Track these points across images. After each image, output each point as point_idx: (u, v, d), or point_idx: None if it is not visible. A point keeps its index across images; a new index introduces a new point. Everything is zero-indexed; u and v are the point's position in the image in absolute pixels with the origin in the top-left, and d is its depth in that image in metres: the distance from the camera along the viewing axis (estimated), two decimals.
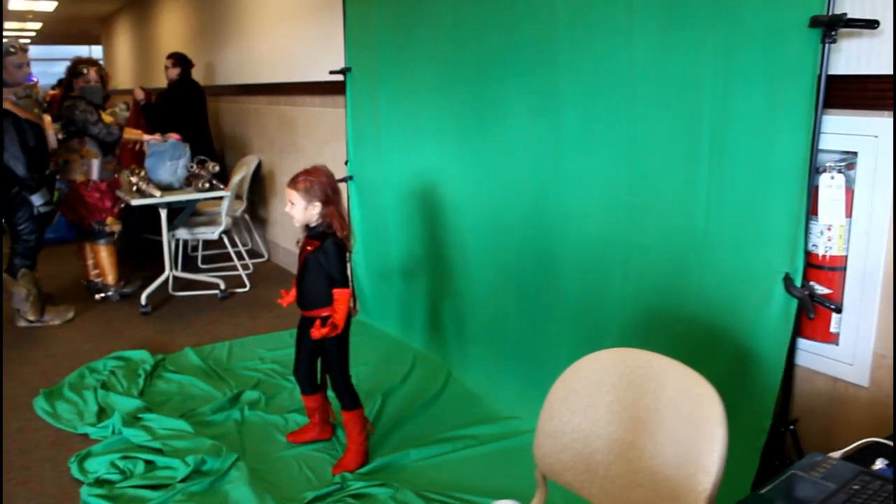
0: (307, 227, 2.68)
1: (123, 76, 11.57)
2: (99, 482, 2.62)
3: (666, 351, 2.43)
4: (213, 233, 4.71)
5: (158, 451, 2.78)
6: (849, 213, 2.01)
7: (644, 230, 2.51)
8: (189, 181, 4.52)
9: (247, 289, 4.88)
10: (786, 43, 1.98)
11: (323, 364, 2.78)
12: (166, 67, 5.61)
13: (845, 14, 1.84)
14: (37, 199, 4.02)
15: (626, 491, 1.57)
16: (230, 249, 4.96)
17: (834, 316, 2.08)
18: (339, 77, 4.07)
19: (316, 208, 2.59)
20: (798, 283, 2.03)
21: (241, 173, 4.88)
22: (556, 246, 2.89)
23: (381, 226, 3.99)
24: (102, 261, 4.60)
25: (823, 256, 2.06)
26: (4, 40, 3.96)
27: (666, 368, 1.58)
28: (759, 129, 2.09)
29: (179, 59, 5.63)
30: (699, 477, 1.41)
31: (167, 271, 4.53)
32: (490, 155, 3.17)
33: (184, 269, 5.00)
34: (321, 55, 4.43)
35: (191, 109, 5.59)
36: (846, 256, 2.04)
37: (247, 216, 5.65)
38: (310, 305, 2.67)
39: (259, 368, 3.60)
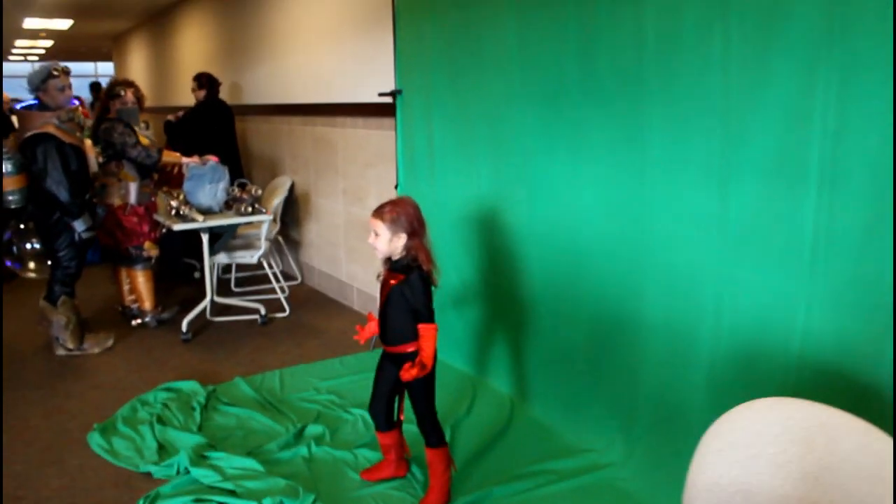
0: (388, 260, 2.59)
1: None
2: None
3: (771, 388, 2.39)
4: (252, 256, 4.62)
5: (231, 493, 2.69)
6: None
7: (740, 262, 2.44)
8: (229, 204, 4.43)
9: (287, 314, 4.79)
10: None
11: (409, 400, 2.68)
12: (193, 90, 5.53)
13: None
14: (79, 225, 3.92)
15: None
16: (269, 273, 4.87)
17: None
18: (387, 99, 4.01)
19: (401, 240, 2.51)
20: None
21: (280, 196, 4.80)
22: (638, 275, 2.82)
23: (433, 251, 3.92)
24: (140, 286, 4.49)
25: None
26: (47, 63, 3.86)
27: (838, 421, 1.50)
28: (878, 162, 2.03)
29: (205, 81, 5.56)
30: None
31: (208, 296, 4.43)
32: (562, 181, 3.10)
33: (218, 294, 4.90)
34: (365, 77, 4.37)
35: (219, 130, 5.51)
36: None
37: (280, 238, 5.56)
38: (394, 341, 2.59)
39: (316, 400, 3.51)
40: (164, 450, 3.05)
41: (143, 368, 3.95)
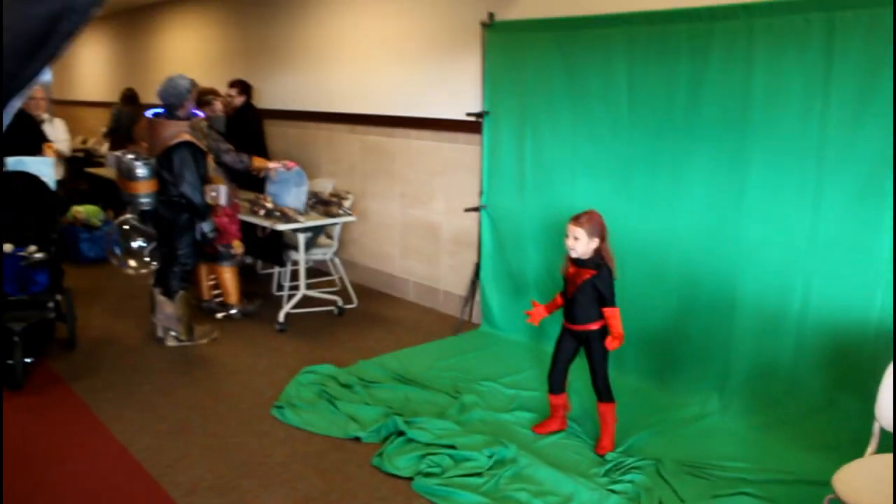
0: (575, 260, 3.45)
1: (92, 87, 11.60)
2: (426, 475, 3.26)
3: (852, 351, 3.46)
4: (325, 254, 5.27)
5: (451, 447, 3.45)
6: None
7: (828, 259, 3.52)
8: (314, 206, 5.06)
9: (355, 305, 5.48)
10: None
11: (589, 365, 3.55)
12: (230, 97, 5.97)
13: None
14: (207, 226, 4.43)
15: None
16: (341, 270, 5.56)
17: None
18: (461, 117, 4.87)
19: (595, 243, 3.39)
20: None
21: (352, 197, 5.43)
22: (732, 268, 3.86)
23: (514, 249, 4.81)
24: (227, 282, 5.02)
25: None
26: (186, 77, 4.33)
27: None
28: None
29: (244, 87, 6.06)
30: None
31: (301, 290, 5.04)
32: (662, 197, 4.08)
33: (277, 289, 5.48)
34: (438, 96, 5.19)
35: (253, 134, 6.02)
36: None
37: None
38: (581, 320, 3.47)
39: (445, 376, 4.29)
40: (353, 420, 3.73)
41: (262, 355, 4.55)
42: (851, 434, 3.39)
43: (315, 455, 3.45)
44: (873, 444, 2.75)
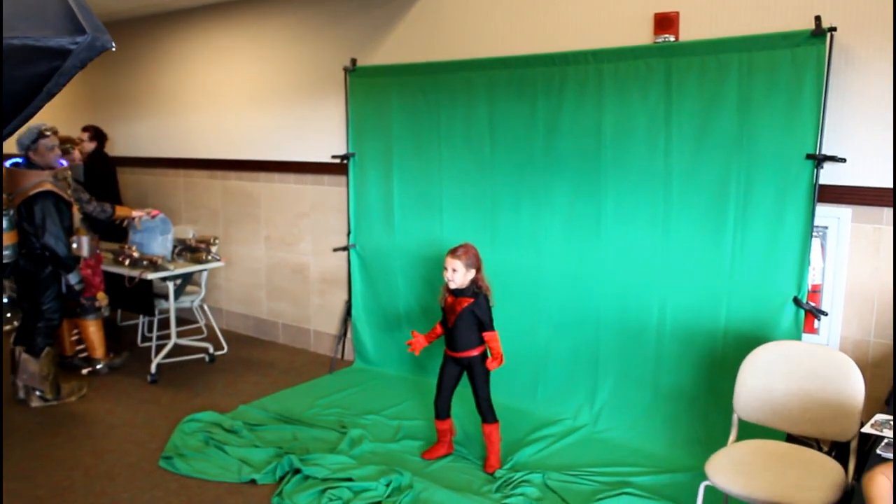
0: (453, 290, 3.69)
1: None
2: None
3: (706, 354, 3.91)
4: (192, 301, 5.21)
5: (348, 480, 3.56)
6: (822, 260, 3.71)
7: (679, 274, 3.97)
8: (180, 253, 5.01)
9: (225, 351, 5.44)
10: (790, 164, 3.62)
11: (473, 389, 3.78)
12: (81, 140, 5.81)
13: (835, 156, 3.52)
14: (73, 278, 4.31)
15: (797, 415, 3.01)
16: (209, 316, 5.48)
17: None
18: (327, 159, 5.06)
19: (472, 273, 3.66)
20: (804, 300, 3.67)
21: (217, 244, 5.41)
22: (595, 290, 4.25)
23: (385, 285, 5.01)
24: (91, 335, 4.87)
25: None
26: (36, 123, 4.21)
27: (814, 350, 3.06)
28: (771, 214, 3.68)
29: (97, 133, 5.90)
30: (851, 404, 2.89)
31: (173, 339, 4.96)
32: (526, 227, 4.42)
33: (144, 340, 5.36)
34: (301, 139, 5.31)
35: (106, 182, 5.87)
36: (821, 283, 3.73)
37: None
38: (462, 348, 3.72)
39: (328, 413, 4.41)
40: (246, 463, 3.76)
41: (138, 408, 4.47)
42: (711, 427, 3.84)
43: (212, 502, 3.46)
44: (734, 434, 3.15)
